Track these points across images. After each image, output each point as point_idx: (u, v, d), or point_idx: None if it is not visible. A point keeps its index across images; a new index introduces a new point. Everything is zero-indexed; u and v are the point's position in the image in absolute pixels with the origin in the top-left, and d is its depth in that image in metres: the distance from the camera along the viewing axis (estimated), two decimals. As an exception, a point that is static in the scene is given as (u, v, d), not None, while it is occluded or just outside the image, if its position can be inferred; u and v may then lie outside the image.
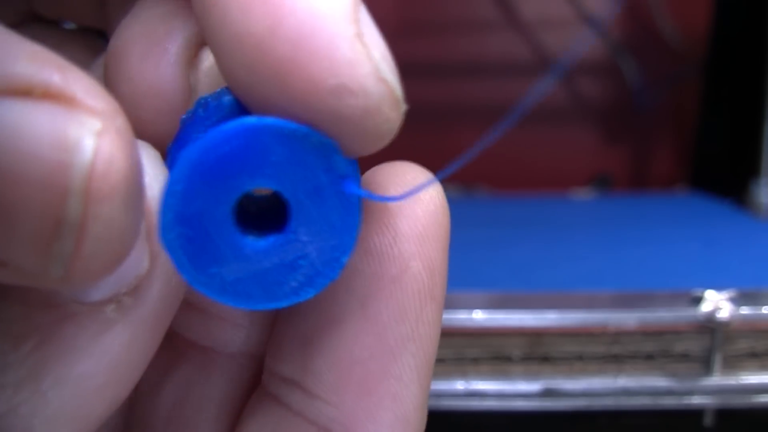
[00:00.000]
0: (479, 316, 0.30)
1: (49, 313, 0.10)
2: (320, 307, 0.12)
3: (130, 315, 0.10)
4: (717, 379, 0.30)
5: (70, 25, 0.17)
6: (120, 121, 0.09)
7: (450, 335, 0.31)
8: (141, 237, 0.10)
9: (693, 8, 0.67)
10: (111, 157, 0.09)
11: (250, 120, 0.10)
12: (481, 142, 0.12)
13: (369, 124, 0.10)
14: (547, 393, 0.30)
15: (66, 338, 0.10)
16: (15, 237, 0.08)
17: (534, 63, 0.69)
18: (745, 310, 0.30)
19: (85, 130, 0.08)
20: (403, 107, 0.10)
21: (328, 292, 0.11)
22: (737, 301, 0.30)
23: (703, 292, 0.31)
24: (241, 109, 0.11)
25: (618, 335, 0.30)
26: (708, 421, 0.31)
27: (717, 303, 0.30)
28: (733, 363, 0.30)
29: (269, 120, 0.10)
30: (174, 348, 0.14)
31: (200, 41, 0.12)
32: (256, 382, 0.14)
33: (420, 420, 0.12)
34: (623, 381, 0.30)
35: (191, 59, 0.12)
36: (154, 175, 0.11)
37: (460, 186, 0.65)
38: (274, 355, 0.13)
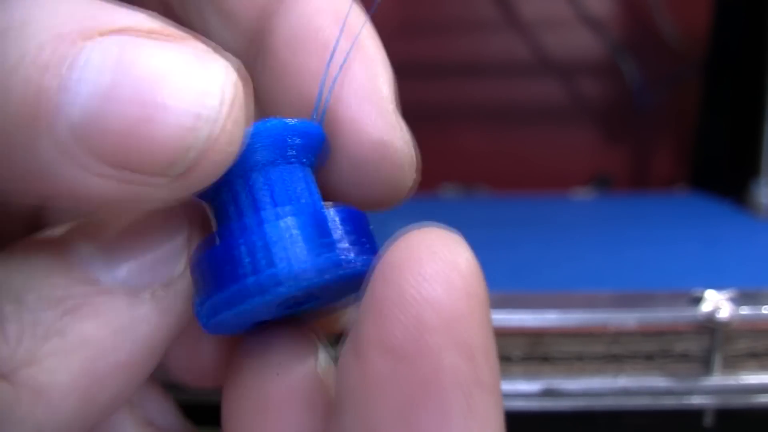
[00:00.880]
0: (479, 316, 0.30)
1: (88, 285, 0.12)
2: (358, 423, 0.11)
3: (161, 303, 0.12)
4: (717, 379, 0.30)
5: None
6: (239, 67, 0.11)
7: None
8: (181, 247, 0.12)
9: (693, 8, 0.67)
10: (238, 91, 0.11)
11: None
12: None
13: (398, 176, 0.13)
14: (547, 393, 0.30)
15: (98, 308, 0.12)
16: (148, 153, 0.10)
17: (534, 63, 0.69)
18: (745, 310, 0.30)
19: (222, 71, 0.10)
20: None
21: (361, 403, 0.10)
22: (737, 301, 0.30)
23: (703, 292, 0.31)
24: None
25: (618, 335, 0.30)
26: (708, 421, 0.31)
27: (717, 303, 0.30)
28: (733, 363, 0.30)
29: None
30: None
31: None
32: None
33: None
34: (623, 381, 0.30)
35: None
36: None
37: (460, 186, 0.65)
38: None
